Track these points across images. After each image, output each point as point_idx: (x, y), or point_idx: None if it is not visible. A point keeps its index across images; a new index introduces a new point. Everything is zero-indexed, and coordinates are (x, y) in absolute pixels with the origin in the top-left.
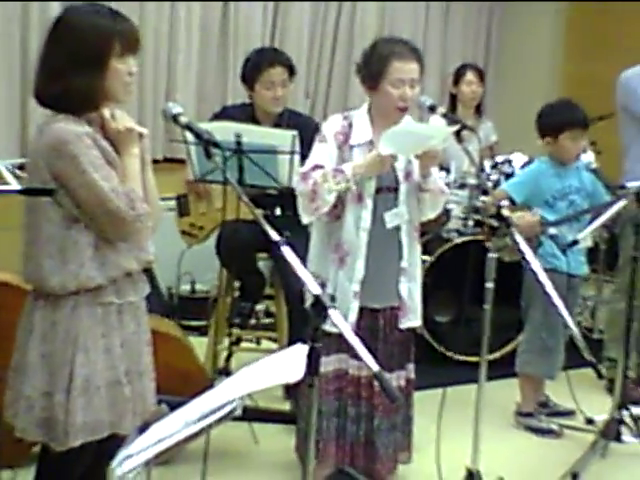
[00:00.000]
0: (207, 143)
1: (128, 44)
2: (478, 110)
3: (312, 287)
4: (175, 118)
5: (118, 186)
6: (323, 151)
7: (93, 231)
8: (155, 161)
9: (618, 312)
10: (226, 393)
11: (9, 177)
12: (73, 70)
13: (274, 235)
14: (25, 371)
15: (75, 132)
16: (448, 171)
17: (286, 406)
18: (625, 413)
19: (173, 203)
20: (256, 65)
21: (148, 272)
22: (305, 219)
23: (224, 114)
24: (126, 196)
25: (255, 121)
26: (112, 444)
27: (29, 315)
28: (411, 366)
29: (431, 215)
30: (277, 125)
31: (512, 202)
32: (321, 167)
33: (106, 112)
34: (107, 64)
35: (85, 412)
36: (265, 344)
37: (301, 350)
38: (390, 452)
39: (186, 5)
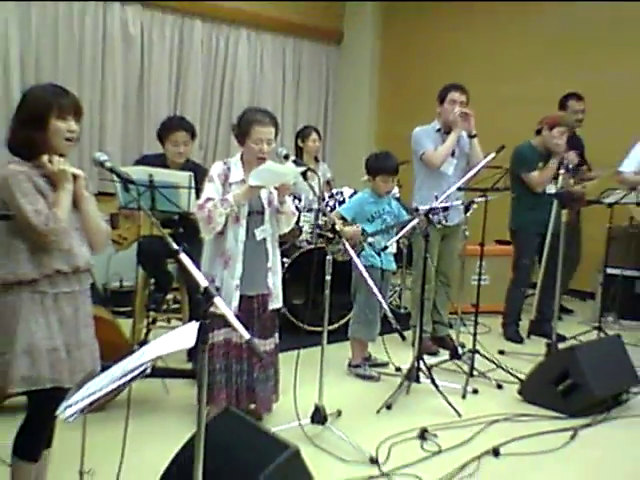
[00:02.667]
0: (125, 181)
1: (66, 108)
2: (317, 158)
3: (202, 282)
4: (101, 164)
5: (43, 208)
6: (211, 188)
7: (31, 239)
8: None
9: (416, 294)
10: (140, 358)
11: None
12: (22, 128)
13: (174, 246)
14: None
15: (14, 170)
16: (300, 199)
17: (189, 366)
18: (421, 362)
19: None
20: (166, 128)
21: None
22: (206, 236)
23: (145, 160)
24: (45, 216)
25: (166, 167)
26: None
27: None
28: (276, 334)
29: (286, 229)
30: (183, 169)
31: (345, 220)
32: (212, 199)
33: (44, 157)
34: (47, 123)
35: (28, 369)
36: (174, 322)
37: (193, 326)
38: (267, 395)
39: (112, 80)
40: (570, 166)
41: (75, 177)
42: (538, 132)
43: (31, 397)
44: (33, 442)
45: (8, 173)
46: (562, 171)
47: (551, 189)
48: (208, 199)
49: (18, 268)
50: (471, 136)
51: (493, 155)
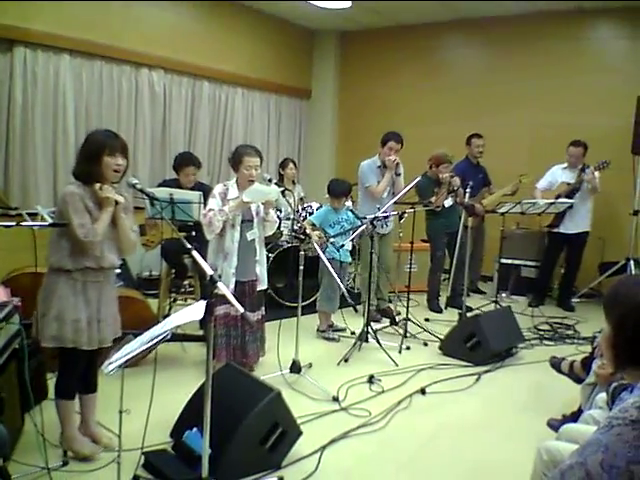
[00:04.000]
0: (151, 199)
1: (115, 148)
2: (294, 181)
3: (208, 271)
4: (133, 186)
5: (87, 223)
6: (213, 202)
7: (73, 242)
8: None
9: (364, 279)
10: (164, 327)
11: (47, 217)
12: (83, 162)
13: (188, 245)
14: (37, 305)
15: (72, 191)
16: (280, 211)
17: (200, 332)
18: (369, 327)
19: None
20: (179, 163)
21: (125, 267)
22: (208, 237)
23: (165, 183)
24: (87, 229)
25: (180, 187)
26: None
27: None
28: (262, 308)
29: (270, 233)
30: (193, 189)
31: (314, 225)
32: (212, 210)
33: (96, 186)
34: (101, 159)
35: (56, 331)
36: (189, 301)
37: (202, 303)
38: (254, 352)
39: (142, 125)
40: (456, 188)
41: (117, 202)
42: (430, 167)
43: (60, 353)
44: (65, 385)
45: (67, 192)
46: (467, 190)
47: (449, 203)
48: (210, 210)
49: (61, 260)
50: (397, 174)
51: (418, 178)
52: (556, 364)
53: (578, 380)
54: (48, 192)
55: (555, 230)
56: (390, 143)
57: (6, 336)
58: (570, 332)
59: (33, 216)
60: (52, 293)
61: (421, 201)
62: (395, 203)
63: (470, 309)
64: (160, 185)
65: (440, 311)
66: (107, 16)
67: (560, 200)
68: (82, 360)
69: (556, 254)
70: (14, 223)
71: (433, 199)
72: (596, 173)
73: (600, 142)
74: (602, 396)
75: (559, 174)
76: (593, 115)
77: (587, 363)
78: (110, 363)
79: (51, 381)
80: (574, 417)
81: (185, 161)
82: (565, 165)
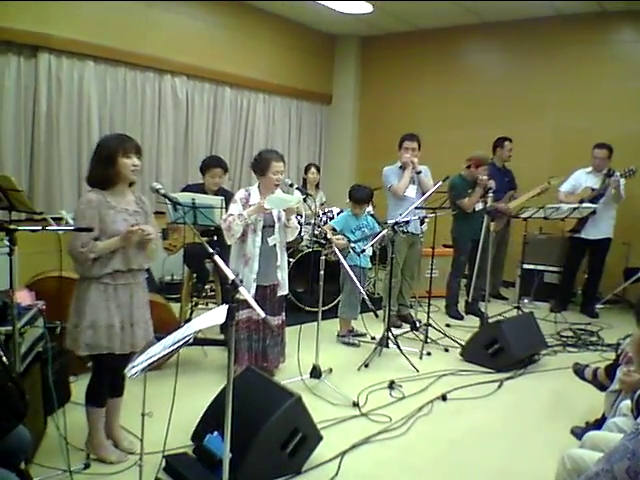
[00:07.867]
0: (174, 203)
1: (129, 149)
2: (317, 186)
3: (230, 275)
4: (157, 190)
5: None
6: (234, 207)
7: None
8: None
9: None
10: (186, 331)
11: (70, 221)
12: (96, 167)
13: (210, 250)
14: (70, 316)
15: (88, 198)
16: (302, 216)
17: (221, 336)
18: (390, 333)
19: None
20: (206, 164)
21: (148, 271)
22: (229, 242)
23: (188, 188)
24: (86, 241)
25: (205, 192)
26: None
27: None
28: (283, 313)
29: (291, 238)
30: (216, 194)
31: (335, 230)
32: (232, 215)
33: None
34: (116, 161)
35: (90, 338)
36: (210, 305)
37: (224, 308)
38: (275, 357)
39: (165, 130)
40: (491, 190)
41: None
42: (468, 167)
43: (94, 360)
44: (97, 392)
45: (82, 199)
46: (490, 194)
47: (480, 206)
48: (230, 215)
49: (86, 268)
50: (417, 172)
51: (440, 183)
52: (579, 371)
53: (602, 387)
54: (72, 197)
55: (577, 235)
56: (405, 143)
57: (30, 339)
58: (594, 339)
59: (58, 220)
60: (84, 301)
61: (453, 201)
62: (417, 208)
63: (482, 314)
64: (184, 190)
65: (461, 317)
66: (131, 23)
67: (584, 205)
68: (113, 365)
69: (578, 259)
70: (39, 227)
71: (466, 200)
72: (621, 180)
73: (624, 147)
74: (626, 403)
75: (583, 178)
76: (616, 119)
77: (611, 370)
78: (133, 367)
79: (74, 384)
80: (598, 425)
81: (213, 162)
82: (590, 169)
